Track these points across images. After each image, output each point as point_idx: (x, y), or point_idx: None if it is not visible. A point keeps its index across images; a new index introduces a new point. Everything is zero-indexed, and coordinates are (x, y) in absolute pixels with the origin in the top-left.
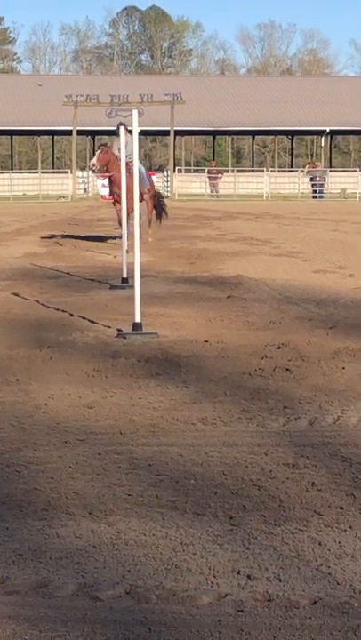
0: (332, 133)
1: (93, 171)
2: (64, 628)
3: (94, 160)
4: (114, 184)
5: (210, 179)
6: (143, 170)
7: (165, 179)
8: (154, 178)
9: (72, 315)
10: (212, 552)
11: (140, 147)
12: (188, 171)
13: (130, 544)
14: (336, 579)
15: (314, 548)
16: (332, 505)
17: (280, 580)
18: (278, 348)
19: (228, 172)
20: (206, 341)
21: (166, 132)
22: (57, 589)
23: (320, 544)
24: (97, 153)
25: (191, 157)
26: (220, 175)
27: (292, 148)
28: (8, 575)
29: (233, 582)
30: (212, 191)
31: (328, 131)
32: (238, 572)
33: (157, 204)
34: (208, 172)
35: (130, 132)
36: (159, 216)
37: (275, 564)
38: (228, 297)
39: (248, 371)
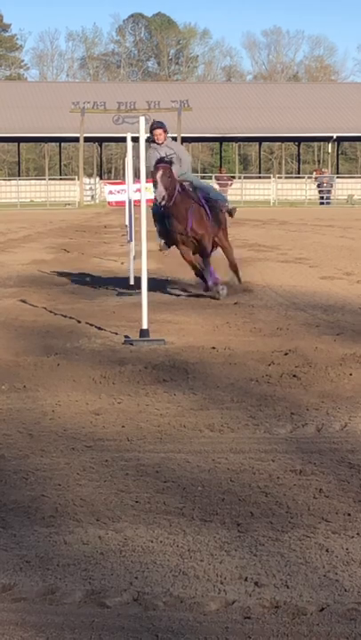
0: (339, 140)
1: (163, 206)
2: (71, 634)
3: (161, 189)
4: (175, 220)
5: (220, 185)
6: (208, 185)
7: None
8: None
9: (79, 321)
10: (219, 559)
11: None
12: None
13: (137, 551)
14: (344, 585)
15: (321, 554)
16: (339, 511)
17: (288, 587)
18: (285, 354)
19: (234, 178)
20: (213, 348)
21: (173, 139)
22: (64, 596)
23: (328, 551)
24: (158, 177)
25: (198, 164)
26: (230, 182)
27: (298, 155)
28: (15, 582)
29: (240, 589)
30: None
31: (335, 137)
32: (246, 579)
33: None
34: (218, 179)
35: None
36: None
37: (282, 570)
38: (235, 303)
39: (255, 377)
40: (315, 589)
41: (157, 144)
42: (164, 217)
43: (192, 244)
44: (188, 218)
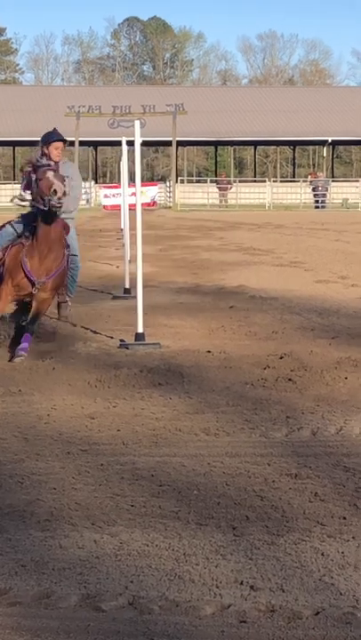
0: (334, 143)
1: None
2: (67, 638)
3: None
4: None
5: (220, 189)
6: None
7: (168, 189)
8: (155, 188)
9: (74, 325)
10: (215, 563)
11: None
12: (190, 181)
13: (133, 555)
14: (339, 589)
15: (317, 558)
16: (335, 515)
17: (283, 591)
18: (281, 358)
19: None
20: (209, 352)
21: (168, 143)
22: (60, 600)
23: (323, 554)
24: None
25: (193, 168)
26: (229, 186)
27: (294, 158)
28: (11, 586)
29: (236, 593)
30: (221, 201)
31: (330, 141)
32: (241, 583)
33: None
34: (218, 183)
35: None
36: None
37: (278, 574)
38: (231, 307)
39: (251, 381)
40: (310, 593)
41: (50, 163)
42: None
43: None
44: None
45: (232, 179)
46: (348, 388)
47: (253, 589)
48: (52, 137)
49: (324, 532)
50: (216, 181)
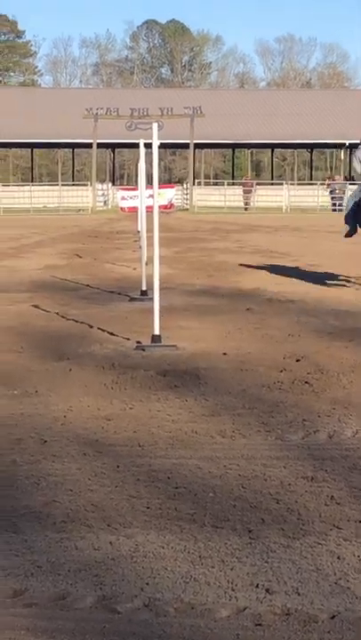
0: (352, 146)
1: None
2: None
3: None
4: None
5: (244, 191)
6: None
7: (185, 192)
8: (173, 191)
9: (91, 327)
10: (230, 565)
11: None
12: (207, 183)
13: (148, 557)
14: (355, 593)
15: (333, 561)
16: (351, 518)
17: (299, 594)
18: (297, 360)
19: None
20: (225, 354)
21: (186, 146)
22: (75, 602)
23: (339, 558)
24: None
25: (211, 170)
26: (253, 188)
27: (311, 161)
28: (27, 587)
29: (252, 596)
30: (245, 203)
31: (347, 144)
32: (257, 586)
33: None
34: (243, 185)
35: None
36: None
37: (294, 577)
38: (247, 309)
39: (267, 383)
40: (326, 597)
41: None
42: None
43: None
44: None
45: (248, 181)
46: None
47: (269, 592)
48: None
49: (341, 535)
50: (242, 184)
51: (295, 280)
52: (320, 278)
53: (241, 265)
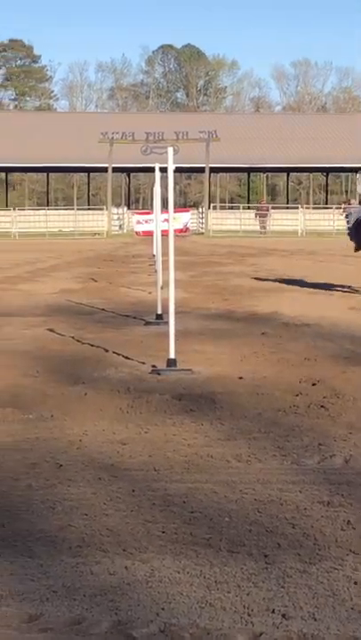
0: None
1: None
2: None
3: None
4: None
5: (260, 215)
6: None
7: (200, 215)
8: (188, 214)
9: (107, 351)
10: (246, 590)
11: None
12: (222, 207)
13: (164, 582)
14: None
15: (349, 586)
16: None
17: (315, 620)
18: (313, 385)
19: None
20: (241, 378)
21: (201, 170)
22: (91, 627)
23: (355, 583)
24: None
25: (226, 194)
26: (269, 212)
27: (326, 185)
28: (42, 612)
29: (268, 621)
30: (261, 227)
31: None
32: (273, 611)
33: None
34: (259, 209)
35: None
36: None
37: (310, 602)
38: (263, 333)
39: (283, 408)
40: (342, 622)
41: None
42: None
43: None
44: None
45: (264, 205)
46: None
47: (285, 618)
48: None
49: (357, 560)
50: (256, 208)
51: (311, 304)
52: (336, 302)
53: (256, 289)
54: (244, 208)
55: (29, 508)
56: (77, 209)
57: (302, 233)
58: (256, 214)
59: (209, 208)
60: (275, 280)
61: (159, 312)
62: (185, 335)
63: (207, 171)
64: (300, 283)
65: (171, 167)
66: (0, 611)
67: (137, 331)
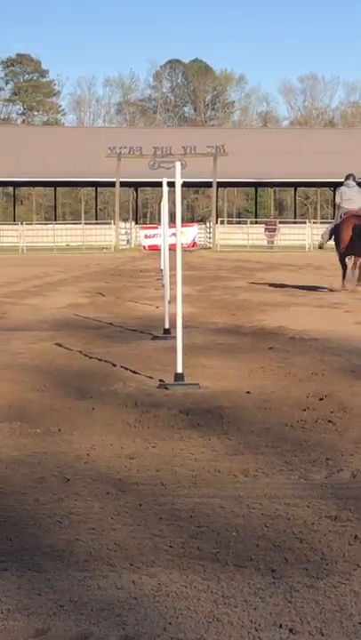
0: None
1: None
2: None
3: None
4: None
5: (268, 230)
6: None
7: (208, 230)
8: (195, 229)
9: (114, 365)
10: (253, 605)
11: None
12: (230, 222)
13: (171, 596)
14: None
15: (357, 601)
16: None
17: (322, 635)
18: (320, 399)
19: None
20: (248, 392)
21: (209, 184)
22: None
23: None
24: None
25: (233, 209)
26: (277, 227)
27: (334, 200)
28: (49, 626)
29: (275, 636)
30: (269, 242)
31: None
32: (280, 626)
33: None
34: (267, 224)
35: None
36: None
37: (317, 617)
38: (270, 348)
39: (290, 422)
40: (350, 637)
41: None
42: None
43: None
44: None
45: (271, 220)
46: None
47: (292, 633)
48: None
49: None
50: (265, 222)
51: (317, 318)
52: (343, 317)
53: (264, 303)
54: (251, 223)
55: (37, 523)
56: (85, 223)
57: (310, 247)
58: (265, 229)
59: (216, 223)
60: (281, 291)
61: (167, 326)
62: (192, 350)
63: (215, 185)
64: (303, 291)
65: (178, 182)
66: (7, 625)
67: (144, 345)
